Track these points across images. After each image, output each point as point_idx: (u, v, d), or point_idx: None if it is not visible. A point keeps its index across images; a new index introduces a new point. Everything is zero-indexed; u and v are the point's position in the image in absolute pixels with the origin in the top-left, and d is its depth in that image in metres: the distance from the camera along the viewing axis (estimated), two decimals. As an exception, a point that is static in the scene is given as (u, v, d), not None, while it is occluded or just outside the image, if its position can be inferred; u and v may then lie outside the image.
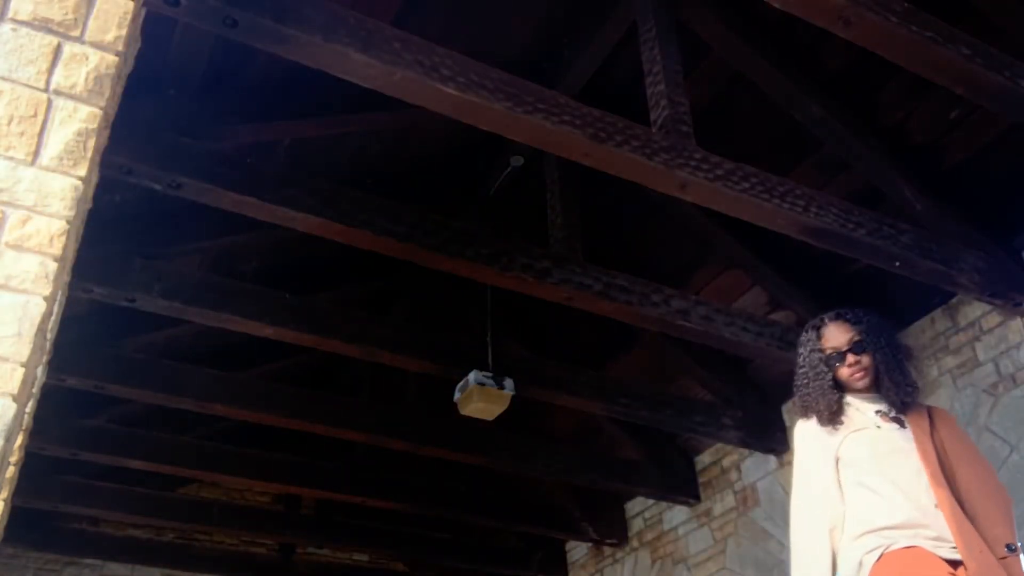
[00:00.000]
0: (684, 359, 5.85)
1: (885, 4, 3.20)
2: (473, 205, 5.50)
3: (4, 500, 1.35)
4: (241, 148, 4.01)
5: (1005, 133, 4.18)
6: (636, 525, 7.01)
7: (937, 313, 4.89)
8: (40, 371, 1.45)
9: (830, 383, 2.61)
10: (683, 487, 6.36)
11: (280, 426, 5.51)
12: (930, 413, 2.57)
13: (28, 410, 1.41)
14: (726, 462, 6.21)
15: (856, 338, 2.59)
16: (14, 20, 1.49)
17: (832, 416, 2.58)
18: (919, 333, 4.96)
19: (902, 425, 2.52)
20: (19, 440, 1.36)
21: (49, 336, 1.46)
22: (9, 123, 1.43)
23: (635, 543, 6.98)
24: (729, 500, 6.11)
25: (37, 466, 5.42)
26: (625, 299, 4.35)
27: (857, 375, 2.58)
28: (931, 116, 4.34)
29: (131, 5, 1.60)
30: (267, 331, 4.49)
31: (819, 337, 2.67)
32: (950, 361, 4.78)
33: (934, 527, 2.31)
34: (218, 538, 7.89)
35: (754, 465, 5.96)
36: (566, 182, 4.90)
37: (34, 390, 1.43)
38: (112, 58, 1.55)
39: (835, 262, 4.66)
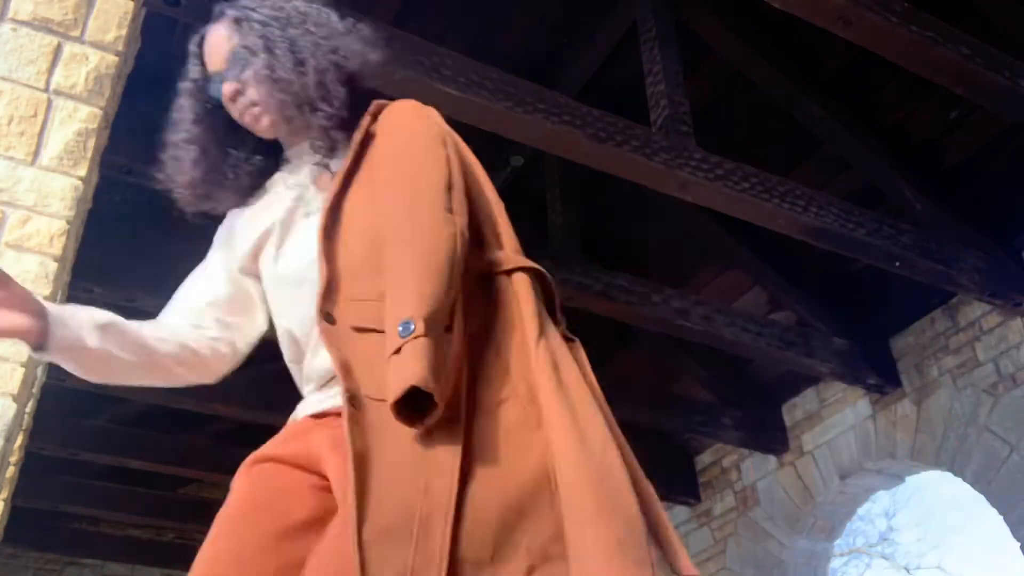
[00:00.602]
0: (684, 359, 5.85)
1: (885, 4, 3.20)
2: (473, 205, 5.49)
3: (4, 500, 1.36)
4: (241, 148, 4.00)
5: (1005, 133, 4.18)
6: (636, 525, 7.00)
7: (937, 313, 4.89)
8: (40, 371, 1.45)
9: (205, 133, 1.50)
10: (683, 487, 6.36)
11: (280, 426, 5.51)
12: (374, 131, 1.38)
13: (28, 410, 1.41)
14: (726, 462, 6.21)
15: (236, 48, 1.42)
16: (14, 20, 1.49)
17: (232, 198, 1.56)
18: (919, 333, 4.96)
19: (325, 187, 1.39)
20: (19, 440, 1.36)
21: (49, 336, 1.46)
22: (9, 123, 1.43)
23: (635, 543, 6.98)
24: (729, 500, 6.12)
25: (37, 466, 5.41)
26: (625, 299, 4.35)
27: (246, 115, 1.43)
28: (931, 116, 4.34)
29: (131, 5, 1.60)
30: (267, 331, 4.48)
31: (200, 59, 1.53)
32: (950, 361, 4.78)
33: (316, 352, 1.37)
34: (218, 538, 7.88)
35: (754, 465, 5.96)
36: (566, 182, 4.90)
37: (34, 390, 1.43)
38: (112, 58, 1.55)
39: (835, 262, 4.67)
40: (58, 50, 1.51)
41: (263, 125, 1.44)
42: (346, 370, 1.18)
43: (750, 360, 5.63)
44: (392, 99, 1.37)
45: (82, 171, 1.46)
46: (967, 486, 4.67)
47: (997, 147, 4.28)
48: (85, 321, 1.35)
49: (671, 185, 3.62)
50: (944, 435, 4.74)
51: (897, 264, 3.98)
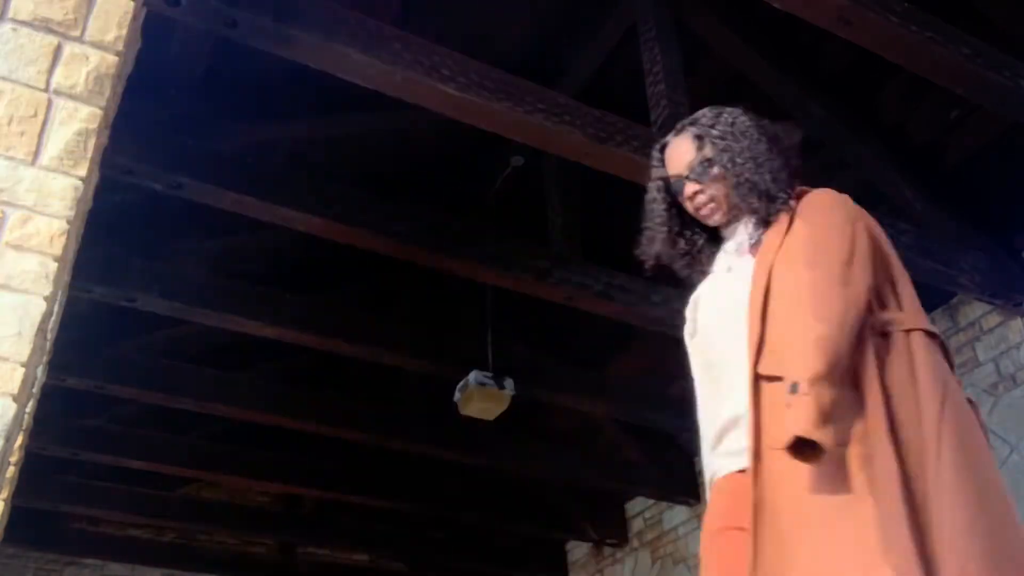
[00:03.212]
0: (684, 359, 5.84)
1: (885, 4, 3.19)
2: (473, 205, 5.49)
3: (4, 500, 1.35)
4: (241, 148, 4.01)
5: (1005, 133, 4.18)
6: (636, 525, 7.01)
7: (937, 313, 4.89)
8: (40, 371, 1.45)
9: (665, 221, 1.92)
10: (683, 487, 6.35)
11: (280, 426, 5.52)
12: (797, 210, 1.73)
13: (28, 410, 1.41)
14: (726, 462, 6.21)
15: (698, 158, 1.81)
16: (14, 20, 1.49)
17: (695, 266, 1.92)
18: (919, 333, 4.96)
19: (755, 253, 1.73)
20: (19, 440, 1.36)
21: (49, 336, 1.46)
22: (9, 123, 1.43)
23: (635, 543, 6.98)
24: (729, 500, 6.11)
25: (37, 466, 5.41)
26: (625, 299, 4.35)
27: (703, 210, 1.83)
28: (931, 116, 4.34)
29: (131, 5, 1.60)
30: (267, 331, 4.49)
31: (663, 161, 1.92)
32: (950, 361, 4.78)
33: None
34: (218, 538, 7.88)
35: (754, 465, 5.95)
36: (566, 182, 4.90)
37: (34, 390, 1.43)
38: (112, 58, 1.55)
39: (835, 262, 4.66)
40: (58, 50, 1.51)
41: (716, 218, 1.83)
42: (756, 425, 1.46)
43: (750, 360, 5.62)
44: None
45: (82, 171, 1.46)
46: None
47: (997, 147, 4.28)
48: None
49: (671, 185, 3.62)
50: (944, 435, 4.73)
51: (897, 264, 3.97)
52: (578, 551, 7.68)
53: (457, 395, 5.02)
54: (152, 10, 2.50)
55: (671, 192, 1.90)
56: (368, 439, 5.74)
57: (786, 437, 1.32)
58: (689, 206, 1.85)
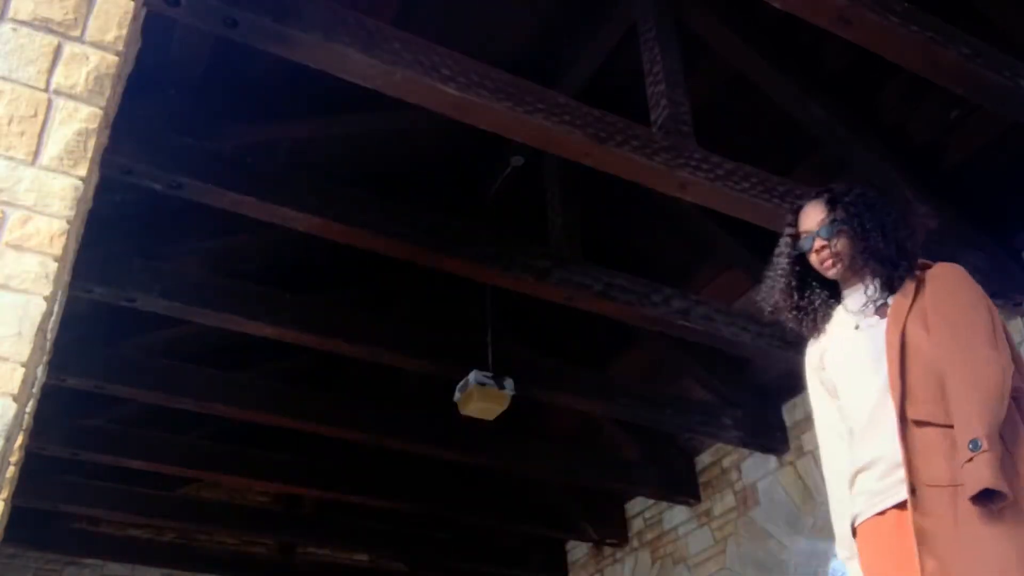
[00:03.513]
0: (684, 359, 5.85)
1: (885, 4, 3.19)
2: (473, 205, 5.50)
3: (4, 500, 1.35)
4: (241, 148, 4.01)
5: (1005, 133, 4.18)
6: (636, 525, 7.01)
7: (937, 313, 4.88)
8: (40, 371, 1.45)
9: (787, 274, 2.13)
10: (683, 487, 6.35)
11: (280, 426, 5.52)
12: (923, 279, 1.99)
13: (28, 410, 1.41)
14: (726, 462, 6.21)
15: (829, 218, 2.06)
16: (14, 20, 1.49)
17: (802, 319, 2.14)
18: (919, 333, 4.96)
19: (884, 315, 1.98)
20: (19, 440, 1.36)
21: (49, 336, 1.46)
22: (9, 123, 1.43)
23: (635, 543, 6.98)
24: (729, 500, 6.11)
25: (37, 466, 5.41)
26: (625, 299, 4.35)
27: (826, 262, 2.06)
28: (931, 116, 4.34)
29: (131, 5, 1.60)
30: (267, 331, 4.49)
31: (795, 221, 2.17)
32: (950, 361, 4.78)
33: (894, 452, 1.82)
34: (218, 538, 7.88)
35: (754, 465, 5.96)
36: (566, 182, 4.90)
37: (34, 390, 1.43)
38: (112, 58, 1.55)
39: (835, 262, 4.66)
40: (58, 50, 1.51)
41: (835, 271, 2.06)
42: (909, 462, 1.74)
43: (750, 360, 5.63)
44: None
45: (82, 171, 1.46)
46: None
47: (997, 147, 4.28)
48: None
49: (671, 185, 3.62)
50: (944, 435, 4.73)
51: (897, 264, 3.97)
52: (578, 551, 7.68)
53: (457, 395, 5.02)
54: (152, 10, 2.50)
55: (798, 248, 2.13)
56: (368, 439, 5.73)
57: (976, 487, 1.60)
58: (814, 259, 2.08)
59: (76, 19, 1.53)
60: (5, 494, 1.35)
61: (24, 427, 1.39)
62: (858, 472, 1.91)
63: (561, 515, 7.16)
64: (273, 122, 4.42)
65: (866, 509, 1.87)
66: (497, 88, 3.25)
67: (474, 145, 4.97)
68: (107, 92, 1.53)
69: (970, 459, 1.62)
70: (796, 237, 2.13)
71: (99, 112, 1.51)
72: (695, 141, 3.66)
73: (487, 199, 5.48)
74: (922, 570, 1.64)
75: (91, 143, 1.48)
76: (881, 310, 1.97)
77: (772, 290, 2.16)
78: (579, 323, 5.71)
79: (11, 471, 1.36)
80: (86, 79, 1.51)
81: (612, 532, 7.05)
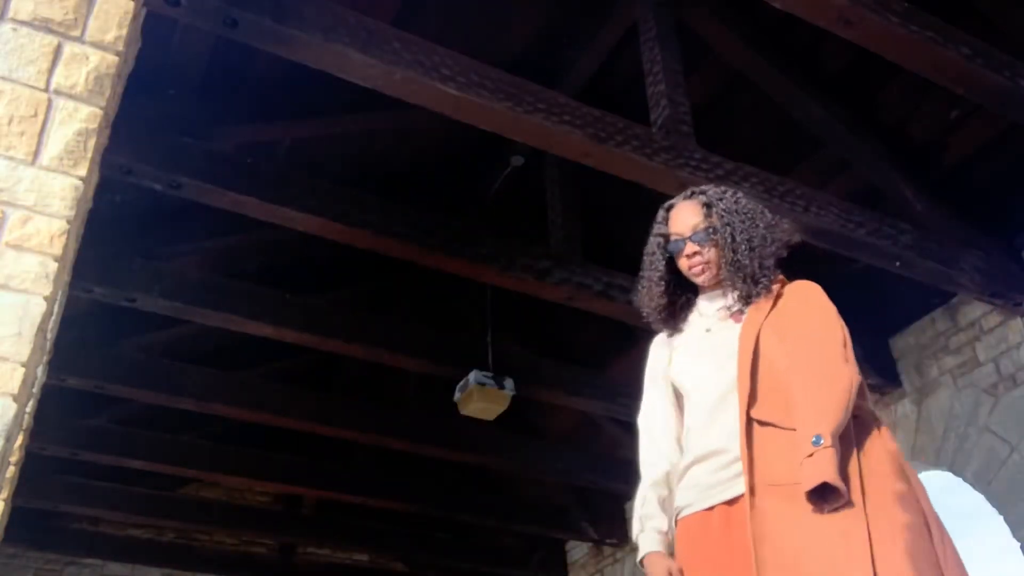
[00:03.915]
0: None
1: (885, 4, 3.19)
2: (473, 205, 5.49)
3: (4, 500, 1.35)
4: (241, 148, 4.01)
5: (1005, 133, 4.18)
6: (636, 525, 6.99)
7: (937, 313, 4.88)
8: (40, 371, 1.45)
9: (662, 275, 2.13)
10: (683, 487, 6.34)
11: (280, 426, 5.52)
12: (781, 294, 2.01)
13: (28, 410, 1.41)
14: (726, 462, 6.20)
15: (702, 224, 2.04)
16: (14, 20, 1.49)
17: (667, 319, 2.15)
18: (919, 333, 4.96)
19: (739, 320, 1.99)
20: (19, 440, 1.36)
21: (49, 336, 1.46)
22: (9, 123, 1.43)
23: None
24: (729, 500, 6.11)
25: (37, 466, 5.41)
26: (625, 299, 4.35)
27: (695, 268, 2.05)
28: (931, 116, 4.34)
29: (131, 5, 1.60)
30: (267, 331, 4.49)
31: (667, 220, 2.14)
32: (950, 361, 4.78)
33: (735, 447, 1.82)
34: (218, 538, 7.89)
35: (754, 465, 5.95)
36: (566, 182, 4.90)
37: (34, 390, 1.43)
38: (112, 58, 1.55)
39: (835, 262, 4.66)
40: (58, 50, 1.51)
41: (704, 278, 2.05)
42: (750, 462, 1.73)
43: (750, 360, 5.61)
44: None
45: (82, 171, 1.46)
46: (968, 493, 4.67)
47: (997, 147, 4.28)
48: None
49: (671, 185, 3.62)
50: (944, 435, 4.74)
51: (897, 264, 3.97)
52: (578, 551, 7.68)
53: (457, 395, 5.02)
54: (152, 10, 2.50)
55: (669, 249, 2.11)
56: (368, 439, 5.73)
57: (815, 480, 1.60)
58: (684, 263, 2.07)
59: (76, 19, 1.53)
60: (5, 494, 1.35)
61: (24, 427, 1.39)
62: (692, 464, 1.90)
63: (561, 515, 7.16)
64: (273, 122, 4.42)
65: (695, 502, 1.86)
66: (497, 88, 3.25)
67: (474, 145, 4.97)
68: (107, 92, 1.53)
69: (811, 454, 1.62)
70: (667, 238, 2.12)
71: (99, 112, 1.51)
72: (695, 141, 3.66)
73: (487, 199, 5.48)
74: (758, 571, 1.62)
75: (91, 143, 1.48)
76: (735, 316, 2.00)
77: (649, 292, 2.16)
78: (579, 323, 5.71)
79: (11, 471, 1.36)
80: (86, 79, 1.51)
81: (612, 532, 7.05)
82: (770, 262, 2.02)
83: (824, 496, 1.61)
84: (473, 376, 4.89)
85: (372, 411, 5.73)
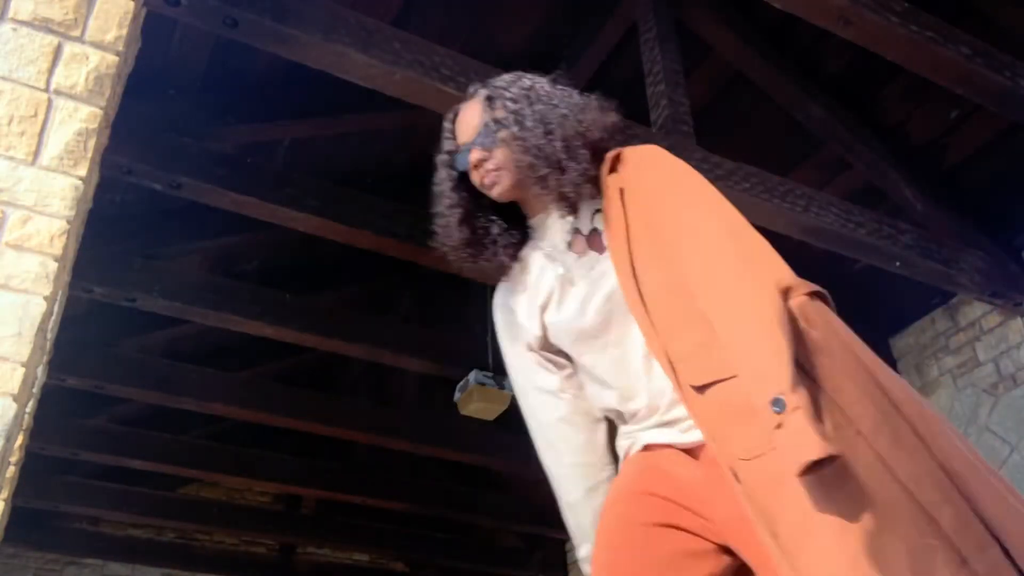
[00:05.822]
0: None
1: (885, 4, 3.19)
2: (473, 205, 5.49)
3: (4, 500, 1.35)
4: (241, 148, 4.01)
5: (1005, 133, 4.18)
6: (636, 525, 7.00)
7: (937, 313, 4.89)
8: (40, 371, 1.45)
9: (454, 202, 1.64)
10: (683, 487, 6.34)
11: (280, 426, 5.52)
12: (622, 181, 1.50)
13: (28, 410, 1.41)
14: (726, 462, 6.21)
15: (484, 120, 1.59)
16: (14, 20, 1.49)
17: (481, 258, 1.63)
18: (919, 333, 4.96)
19: (602, 249, 1.51)
20: (19, 440, 1.36)
21: (49, 336, 1.46)
22: (9, 123, 1.43)
23: (635, 543, 6.97)
24: (729, 500, 6.11)
25: (37, 466, 5.42)
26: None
27: (487, 179, 1.57)
28: (931, 116, 4.34)
29: (131, 5, 1.60)
30: (267, 331, 4.49)
31: (453, 132, 1.70)
32: (950, 361, 4.78)
33: (644, 391, 1.43)
34: (218, 538, 7.89)
35: (754, 465, 5.95)
36: (566, 182, 4.89)
37: (34, 390, 1.43)
38: (112, 58, 1.55)
39: (835, 262, 4.67)
40: (58, 50, 1.51)
41: (502, 186, 1.56)
42: (712, 438, 1.27)
43: (750, 360, 5.62)
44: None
45: (82, 171, 1.46)
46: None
47: (997, 147, 4.28)
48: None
49: (671, 185, 3.62)
50: (944, 435, 4.73)
51: (897, 264, 3.97)
52: (578, 551, 7.67)
53: (457, 395, 5.02)
54: (152, 10, 2.50)
55: (456, 167, 1.64)
56: (368, 439, 5.73)
57: (801, 463, 1.10)
58: (475, 176, 1.59)
59: (76, 19, 1.53)
60: (5, 494, 1.35)
61: (24, 427, 1.39)
62: (630, 416, 1.49)
63: (561, 515, 7.15)
64: (273, 122, 4.42)
65: (637, 441, 1.48)
66: (497, 88, 3.24)
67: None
68: (107, 92, 1.53)
69: (779, 425, 1.12)
70: (455, 153, 1.65)
71: (99, 112, 1.51)
72: (695, 141, 3.66)
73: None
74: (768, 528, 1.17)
75: (91, 143, 1.48)
76: (594, 241, 1.51)
77: (448, 228, 1.63)
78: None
79: (11, 471, 1.36)
80: (86, 79, 1.51)
81: (612, 532, 7.04)
82: (578, 143, 1.52)
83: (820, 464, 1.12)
84: (473, 376, 4.89)
85: (372, 411, 5.73)
